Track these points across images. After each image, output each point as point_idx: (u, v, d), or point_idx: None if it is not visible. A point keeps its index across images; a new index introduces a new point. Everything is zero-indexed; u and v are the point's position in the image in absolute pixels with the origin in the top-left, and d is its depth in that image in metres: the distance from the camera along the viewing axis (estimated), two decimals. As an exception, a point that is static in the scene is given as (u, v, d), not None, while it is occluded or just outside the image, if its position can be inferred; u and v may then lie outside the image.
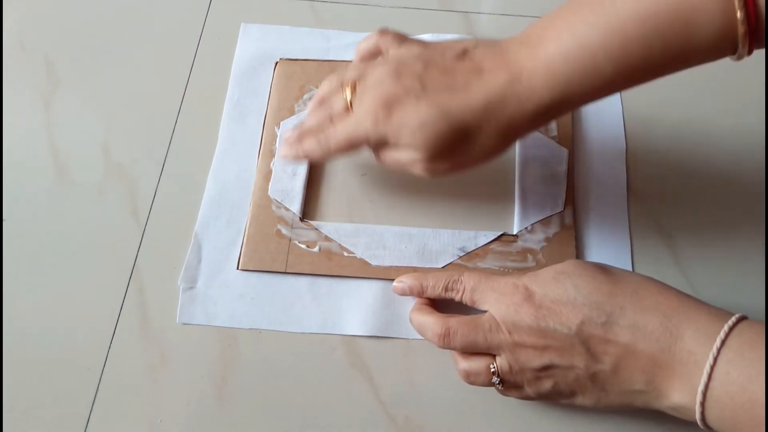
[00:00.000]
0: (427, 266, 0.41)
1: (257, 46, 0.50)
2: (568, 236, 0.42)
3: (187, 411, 0.39)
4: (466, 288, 0.37)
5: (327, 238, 0.43)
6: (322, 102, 0.40)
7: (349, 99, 0.37)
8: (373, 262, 0.42)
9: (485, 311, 0.35)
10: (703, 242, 0.42)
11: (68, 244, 0.44)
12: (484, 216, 0.43)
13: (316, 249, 0.42)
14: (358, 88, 0.37)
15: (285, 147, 0.41)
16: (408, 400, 0.39)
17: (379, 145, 0.37)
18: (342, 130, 0.37)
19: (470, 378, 0.36)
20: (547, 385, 0.34)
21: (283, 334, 0.41)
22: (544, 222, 0.43)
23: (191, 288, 0.42)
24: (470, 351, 0.35)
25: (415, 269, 0.41)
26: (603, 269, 0.34)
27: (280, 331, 0.41)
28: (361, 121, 0.36)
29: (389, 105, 0.35)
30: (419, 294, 0.39)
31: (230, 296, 0.42)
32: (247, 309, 0.41)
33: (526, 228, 0.42)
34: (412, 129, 0.35)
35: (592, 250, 0.42)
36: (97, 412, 0.39)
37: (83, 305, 0.42)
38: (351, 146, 0.38)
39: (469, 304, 0.37)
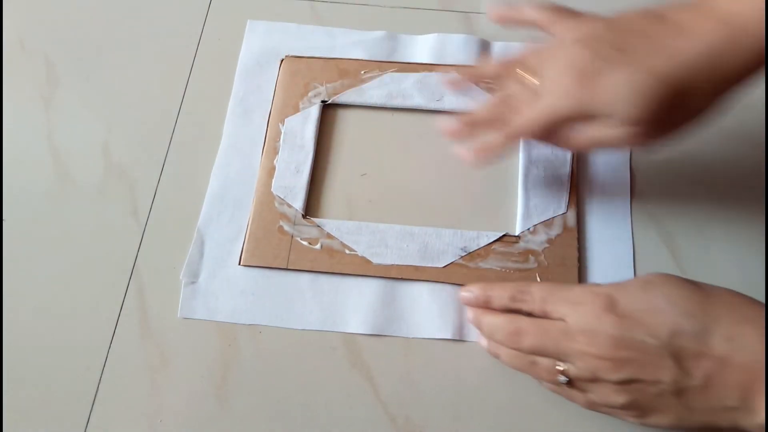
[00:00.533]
0: (429, 265, 0.41)
1: (263, 43, 0.50)
2: (571, 238, 0.42)
3: (187, 411, 0.39)
4: (535, 298, 0.35)
5: (329, 236, 0.42)
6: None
7: (531, 81, 0.34)
8: (375, 260, 0.42)
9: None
10: (705, 246, 0.42)
11: (68, 244, 0.43)
12: (487, 216, 0.43)
13: (317, 246, 0.42)
14: (541, 71, 0.34)
15: (459, 145, 0.38)
16: (408, 400, 0.39)
17: (577, 119, 0.34)
18: (532, 111, 0.34)
19: (534, 369, 0.34)
20: (621, 399, 0.31)
21: (283, 334, 0.41)
22: (547, 223, 0.42)
23: (193, 283, 0.42)
24: (539, 354, 0.34)
25: (416, 268, 0.41)
26: (690, 281, 0.32)
27: (280, 327, 0.41)
28: (556, 96, 0.33)
29: (588, 75, 0.32)
30: (485, 304, 0.37)
31: (231, 291, 0.42)
32: (248, 305, 0.41)
33: (529, 229, 0.42)
34: (625, 97, 0.31)
35: (595, 253, 0.42)
36: (97, 412, 0.39)
37: (83, 305, 0.42)
38: (544, 127, 0.35)
39: (539, 315, 0.34)
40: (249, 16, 0.51)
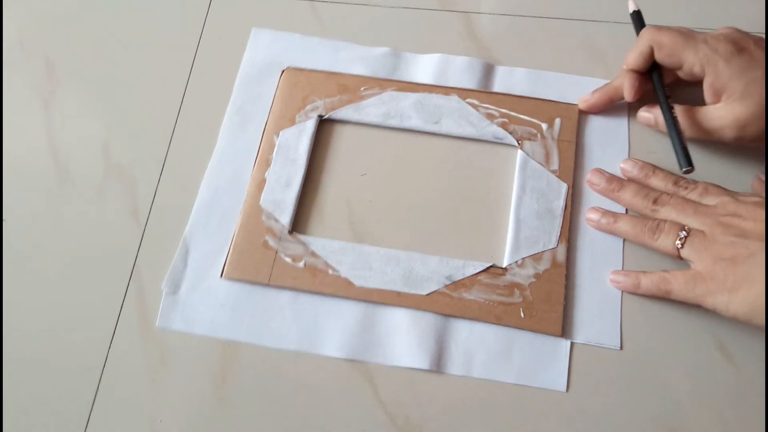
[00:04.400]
0: (411, 292, 0.41)
1: (266, 52, 0.49)
2: (559, 274, 0.41)
3: (187, 411, 0.39)
4: (698, 187, 0.40)
5: (313, 254, 0.42)
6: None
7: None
8: (357, 283, 0.41)
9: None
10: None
11: (68, 244, 0.44)
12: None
13: (301, 264, 0.42)
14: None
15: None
16: (408, 400, 0.39)
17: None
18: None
19: (652, 233, 0.39)
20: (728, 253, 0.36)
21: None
22: (536, 257, 0.41)
23: (174, 293, 0.42)
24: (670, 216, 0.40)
25: (398, 294, 0.41)
26: None
27: (257, 344, 0.40)
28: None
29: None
30: (644, 178, 0.42)
31: (211, 304, 0.41)
32: (226, 319, 0.41)
33: (517, 262, 0.41)
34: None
35: (583, 291, 0.41)
36: (97, 412, 0.39)
37: (83, 305, 0.42)
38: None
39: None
40: (248, 15, 0.51)
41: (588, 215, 0.42)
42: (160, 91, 0.49)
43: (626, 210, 0.42)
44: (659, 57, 0.41)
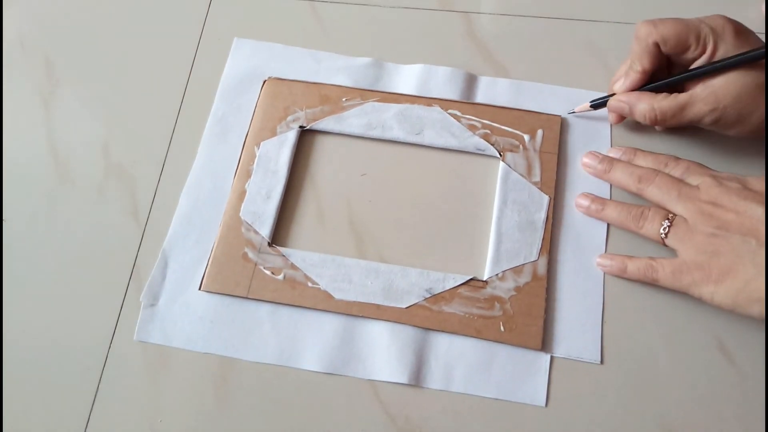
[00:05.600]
0: (391, 305, 0.40)
1: (248, 63, 0.49)
2: (539, 287, 0.41)
3: (187, 411, 0.39)
4: (680, 166, 0.41)
5: (293, 266, 0.42)
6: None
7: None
8: (337, 296, 0.41)
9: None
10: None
11: (68, 244, 0.44)
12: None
13: (280, 276, 0.41)
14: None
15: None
16: (408, 400, 0.39)
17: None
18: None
19: (638, 220, 0.40)
20: (710, 247, 0.37)
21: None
22: (516, 270, 0.41)
23: (152, 305, 0.42)
24: (655, 199, 0.40)
25: (378, 307, 0.40)
26: None
27: (235, 358, 0.40)
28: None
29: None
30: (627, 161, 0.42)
31: (190, 317, 0.41)
32: (205, 332, 0.41)
33: (497, 274, 0.41)
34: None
35: (563, 304, 0.41)
36: (97, 412, 0.39)
37: (83, 305, 0.42)
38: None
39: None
40: (248, 16, 0.51)
41: (578, 201, 0.43)
42: (161, 90, 0.49)
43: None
44: (666, 49, 0.40)
